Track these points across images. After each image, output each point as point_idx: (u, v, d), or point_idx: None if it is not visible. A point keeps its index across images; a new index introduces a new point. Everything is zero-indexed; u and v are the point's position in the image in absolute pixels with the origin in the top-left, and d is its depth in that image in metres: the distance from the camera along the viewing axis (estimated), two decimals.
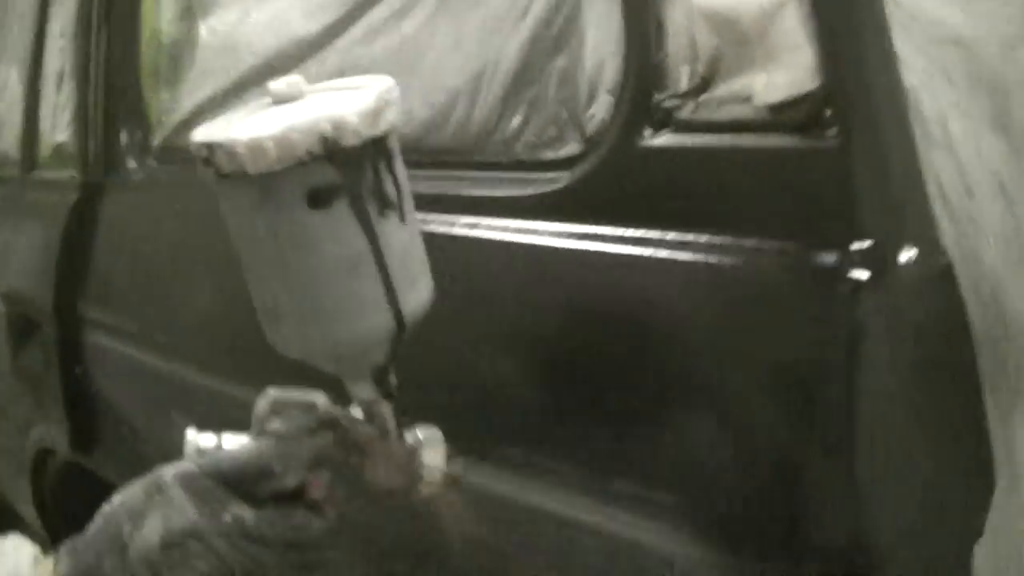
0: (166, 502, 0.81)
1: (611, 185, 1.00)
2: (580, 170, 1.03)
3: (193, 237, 1.69)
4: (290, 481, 0.82)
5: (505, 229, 1.09)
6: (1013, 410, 0.89)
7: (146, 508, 0.81)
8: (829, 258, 0.83)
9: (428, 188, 1.17)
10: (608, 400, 0.98)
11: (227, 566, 0.80)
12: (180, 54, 1.80)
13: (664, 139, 0.95)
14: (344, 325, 0.80)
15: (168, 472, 0.82)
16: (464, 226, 1.13)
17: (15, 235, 2.36)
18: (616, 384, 0.97)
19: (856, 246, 0.82)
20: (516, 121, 1.12)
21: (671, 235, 0.93)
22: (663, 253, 0.93)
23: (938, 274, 0.85)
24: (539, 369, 1.04)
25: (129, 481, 0.84)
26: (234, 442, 0.85)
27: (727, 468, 0.88)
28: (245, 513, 0.80)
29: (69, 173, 2.11)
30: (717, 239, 0.90)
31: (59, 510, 2.39)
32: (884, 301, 0.82)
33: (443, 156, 1.21)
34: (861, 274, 0.81)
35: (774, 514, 0.85)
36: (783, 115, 0.87)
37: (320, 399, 0.85)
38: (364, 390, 0.85)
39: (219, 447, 0.85)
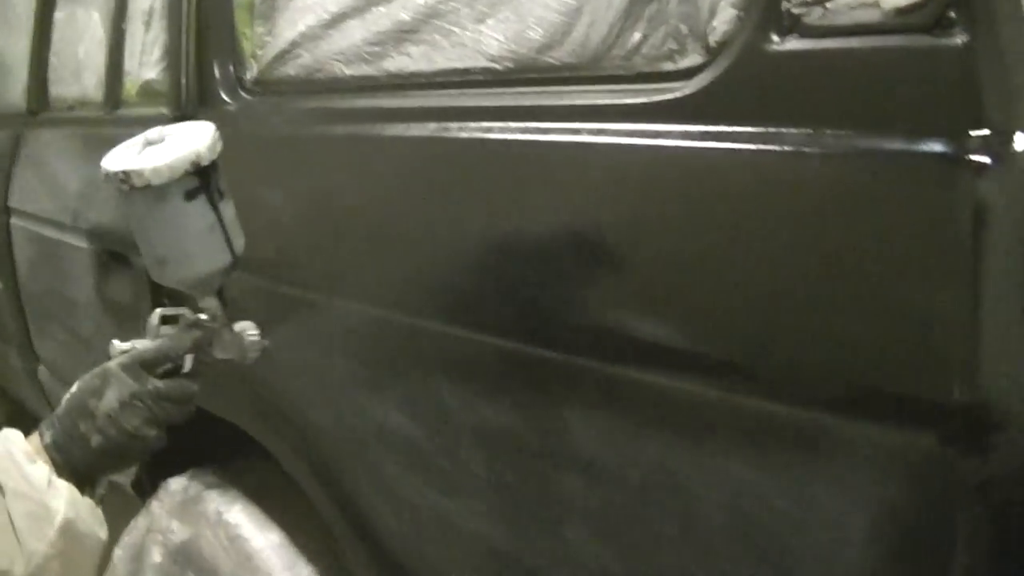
0: (117, 380, 1.33)
1: (738, 90, 1.06)
2: (705, 78, 1.10)
3: (288, 167, 1.76)
4: (176, 362, 1.37)
5: (629, 134, 1.15)
6: None
7: (102, 386, 1.33)
8: (953, 146, 0.90)
9: (548, 100, 1.25)
10: (733, 290, 1.05)
11: (153, 414, 1.32)
12: None
13: (791, 44, 1.02)
14: (205, 264, 1.35)
15: (112, 364, 1.34)
16: (588, 132, 1.19)
17: (99, 173, 2.42)
18: (740, 275, 1.05)
19: (977, 133, 0.89)
20: (636, 36, 1.19)
21: (800, 131, 1.00)
22: (791, 148, 1.00)
23: None
24: (658, 252, 1.12)
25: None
26: (140, 345, 1.39)
27: (854, 338, 0.95)
28: (159, 383, 1.34)
29: (159, 110, 2.16)
30: (843, 134, 0.97)
31: None
32: (1004, 183, 0.89)
33: (561, 72, 1.28)
34: (983, 158, 0.89)
35: (899, 379, 0.93)
36: (909, 17, 0.94)
37: (185, 311, 1.43)
38: (210, 302, 1.42)
39: (133, 347, 1.38)
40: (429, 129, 1.42)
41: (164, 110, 2.13)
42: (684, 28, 1.14)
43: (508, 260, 1.28)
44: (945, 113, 0.92)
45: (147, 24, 2.30)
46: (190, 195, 1.30)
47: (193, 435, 2.25)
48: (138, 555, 2.22)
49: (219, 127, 1.88)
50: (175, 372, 1.38)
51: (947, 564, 0.93)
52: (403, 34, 1.55)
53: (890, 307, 0.93)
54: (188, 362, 1.39)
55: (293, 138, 1.78)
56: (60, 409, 1.34)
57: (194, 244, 1.33)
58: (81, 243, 2.51)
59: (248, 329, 1.46)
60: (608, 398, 1.19)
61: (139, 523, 2.26)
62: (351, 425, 1.65)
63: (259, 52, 1.91)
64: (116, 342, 1.41)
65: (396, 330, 1.51)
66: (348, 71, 1.68)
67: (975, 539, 0.97)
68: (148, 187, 1.28)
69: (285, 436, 1.82)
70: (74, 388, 1.34)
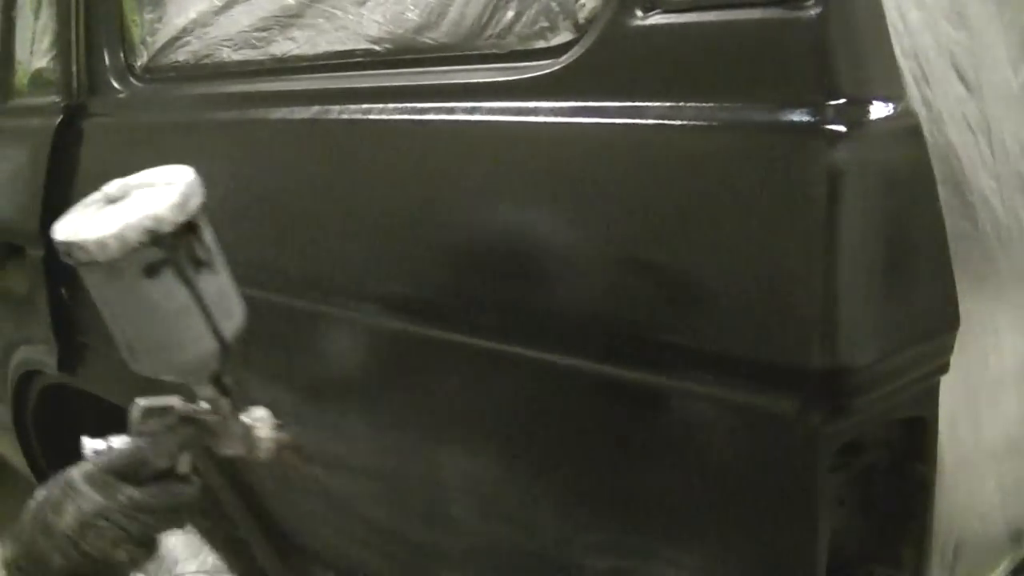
0: (77, 494, 1.07)
1: (606, 65, 1.08)
2: (574, 54, 1.11)
3: (178, 153, 1.75)
4: (163, 464, 1.10)
5: (503, 111, 1.16)
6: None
7: (63, 500, 1.07)
8: (809, 114, 0.92)
9: (426, 80, 1.26)
10: (602, 258, 1.07)
11: (127, 532, 1.06)
12: None
13: (655, 19, 1.04)
14: (181, 354, 1.08)
15: (74, 472, 1.09)
16: (463, 111, 1.20)
17: None
18: (605, 244, 1.06)
19: (833, 103, 0.92)
20: (509, 15, 1.20)
21: (664, 104, 1.01)
22: (656, 120, 1.02)
23: (908, 130, 0.96)
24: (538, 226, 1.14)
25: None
26: (118, 442, 1.12)
27: (720, 304, 0.97)
28: (134, 492, 1.07)
29: (50, 99, 2.14)
30: (706, 106, 0.99)
31: (40, 432, 2.43)
32: (858, 151, 0.91)
33: (438, 51, 1.29)
34: (838, 127, 0.91)
35: (760, 346, 0.95)
36: None
37: (176, 401, 1.15)
38: (206, 391, 1.14)
39: (109, 447, 1.11)
40: (312, 111, 1.42)
41: (55, 99, 2.11)
42: (555, 6, 1.16)
43: (392, 237, 1.29)
44: (802, 83, 0.94)
45: (36, 12, 2.27)
46: (151, 270, 1.04)
47: (97, 421, 2.27)
48: None
49: (106, 116, 1.89)
50: (163, 475, 1.12)
51: (812, 526, 0.95)
52: (288, 19, 1.55)
53: (751, 275, 0.95)
54: (184, 461, 1.14)
55: (183, 124, 1.77)
56: (22, 520, 1.12)
57: (165, 329, 1.08)
58: None
59: (261, 420, 1.19)
60: (496, 371, 1.20)
61: None
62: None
63: (149, 39, 1.89)
64: (87, 441, 1.14)
65: (286, 312, 1.50)
66: (236, 56, 1.67)
67: (839, 501, 0.99)
68: (95, 262, 1.02)
69: None
70: (37, 495, 1.12)
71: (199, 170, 1.63)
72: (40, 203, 1.99)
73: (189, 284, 1.06)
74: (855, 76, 0.94)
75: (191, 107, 1.77)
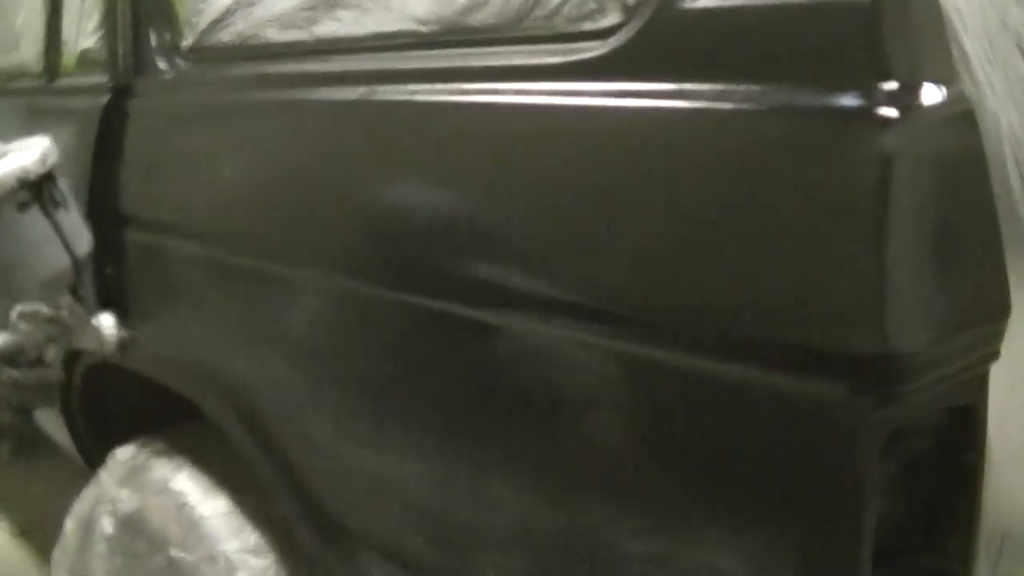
0: None
1: (654, 47, 1.07)
2: (622, 36, 1.10)
3: (223, 132, 1.76)
4: (34, 354, 1.50)
5: (550, 93, 1.16)
6: None
7: None
8: (861, 98, 0.91)
9: (472, 61, 1.26)
10: (652, 244, 1.06)
11: (10, 401, 1.44)
12: None
13: (705, 1, 1.03)
14: (45, 268, 1.48)
15: None
16: (510, 93, 1.20)
17: None
18: (657, 228, 1.05)
19: (885, 87, 0.90)
20: None
21: (713, 87, 1.01)
22: (704, 104, 1.01)
23: (961, 115, 0.94)
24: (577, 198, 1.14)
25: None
26: (1, 338, 1.51)
27: (768, 290, 0.96)
28: (15, 373, 1.47)
29: (96, 79, 2.15)
30: (756, 88, 0.98)
31: (86, 411, 2.44)
32: (910, 135, 0.90)
33: (485, 33, 1.28)
34: (890, 111, 0.90)
35: (809, 332, 0.94)
36: None
37: (43, 307, 1.52)
38: (65, 299, 1.56)
39: None
40: (358, 92, 1.42)
41: (102, 79, 2.12)
42: None
43: (437, 219, 1.29)
44: (853, 66, 0.93)
45: None
46: (23, 207, 1.47)
47: (143, 403, 2.29)
48: (89, 525, 2.21)
49: (155, 95, 1.91)
50: (35, 362, 1.55)
51: (859, 514, 0.94)
52: None
53: (801, 260, 0.94)
54: (50, 353, 1.58)
55: (227, 104, 1.77)
56: None
57: (33, 249, 1.49)
58: None
59: (106, 322, 1.63)
60: (545, 353, 1.19)
61: (88, 493, 2.25)
62: (285, 387, 1.65)
63: (194, 19, 1.90)
64: None
65: (328, 292, 1.51)
66: (281, 37, 1.67)
67: (888, 488, 0.99)
68: None
69: (219, 396, 1.82)
70: None
71: (245, 150, 1.66)
72: (87, 183, 1.99)
73: (51, 216, 1.49)
74: (908, 59, 0.93)
75: (236, 87, 1.77)
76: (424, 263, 1.32)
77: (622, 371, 1.11)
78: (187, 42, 1.92)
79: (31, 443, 2.97)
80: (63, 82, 2.41)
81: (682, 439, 1.06)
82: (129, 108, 1.99)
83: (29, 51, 2.60)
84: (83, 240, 1.53)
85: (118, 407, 2.37)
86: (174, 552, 1.93)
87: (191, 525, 1.93)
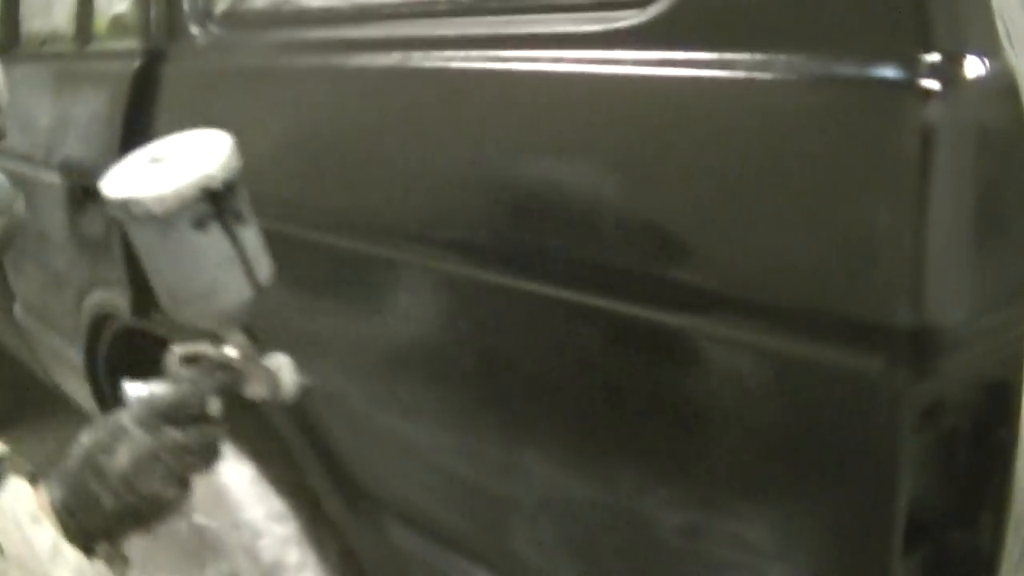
0: (128, 437, 1.15)
1: (693, 16, 1.06)
2: (661, 5, 1.09)
3: (255, 98, 1.75)
4: (197, 409, 1.18)
5: (587, 61, 1.15)
6: None
7: (114, 442, 1.15)
8: (903, 70, 0.90)
9: (509, 28, 1.25)
10: (689, 213, 1.06)
11: (171, 470, 1.15)
12: None
13: None
14: (223, 300, 1.18)
15: (124, 416, 1.17)
16: (547, 60, 1.19)
17: (71, 108, 2.41)
18: (695, 198, 1.05)
19: (927, 58, 0.90)
20: None
21: (753, 56, 1.00)
22: (744, 73, 1.00)
23: (1004, 88, 0.93)
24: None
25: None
26: (158, 388, 1.21)
27: (806, 260, 0.96)
28: (176, 434, 1.15)
29: (129, 43, 2.15)
30: (796, 58, 0.97)
31: (113, 375, 2.45)
32: (952, 107, 0.89)
33: (522, 0, 1.28)
34: (932, 83, 0.89)
35: (847, 303, 0.93)
36: None
37: (208, 348, 1.22)
38: (236, 337, 1.23)
39: (151, 392, 1.20)
40: (393, 59, 1.42)
41: (134, 44, 2.11)
42: None
43: (471, 186, 1.29)
44: (896, 37, 0.92)
45: None
46: (201, 224, 1.13)
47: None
48: None
49: (185, 61, 1.90)
50: (199, 417, 1.20)
51: (892, 489, 0.93)
52: None
53: (840, 231, 0.93)
54: (214, 405, 1.21)
55: (261, 70, 1.77)
56: (67, 463, 1.18)
57: (209, 278, 1.16)
58: (54, 179, 2.49)
59: (284, 366, 1.26)
60: (570, 323, 1.19)
61: None
62: (316, 357, 1.65)
63: None
64: (129, 384, 1.25)
65: (365, 259, 1.51)
66: (315, 2, 1.67)
67: (921, 464, 0.98)
68: (152, 218, 1.11)
69: None
70: (83, 439, 1.19)
71: (277, 117, 1.65)
72: (118, 148, 2.00)
73: (232, 236, 1.15)
74: (951, 30, 0.91)
75: (270, 54, 1.77)
76: (438, 229, 1.31)
77: (651, 343, 1.10)
78: (221, 7, 1.92)
79: None
80: (95, 47, 2.41)
81: (716, 408, 1.05)
82: (161, 73, 1.99)
83: (61, 15, 2.60)
84: (264, 266, 1.21)
85: (145, 373, 2.38)
86: (198, 518, 1.93)
87: (215, 491, 1.93)
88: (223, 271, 1.16)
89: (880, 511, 0.94)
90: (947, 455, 1.00)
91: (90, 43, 2.44)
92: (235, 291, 1.18)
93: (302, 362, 1.57)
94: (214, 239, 1.14)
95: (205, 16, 1.95)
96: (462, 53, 1.31)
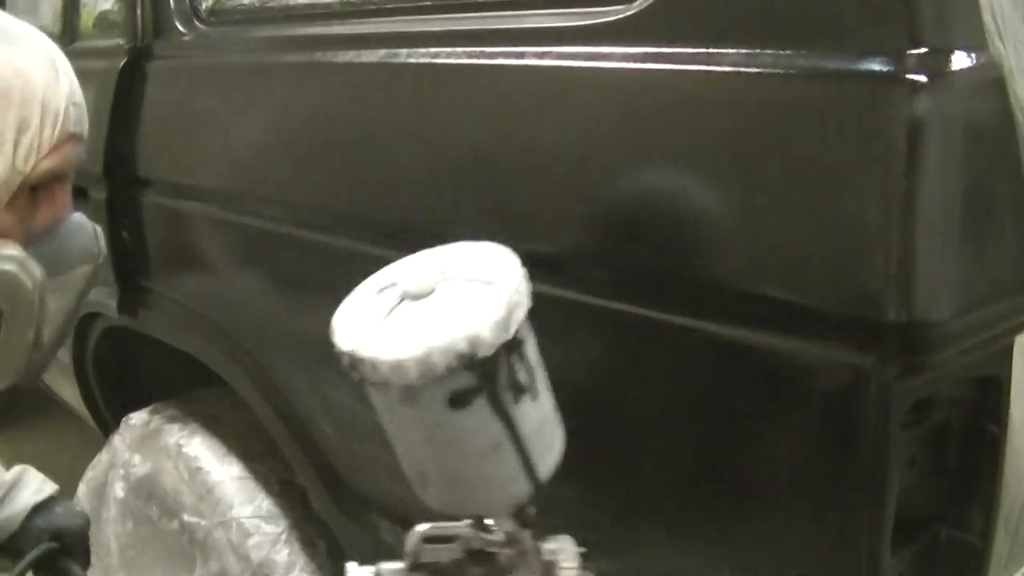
0: None
1: (679, 10, 1.06)
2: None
3: (242, 95, 1.75)
4: None
5: (574, 56, 1.15)
6: None
7: None
8: (891, 63, 0.90)
9: (495, 23, 1.24)
10: (675, 208, 1.05)
11: None
12: None
13: None
14: (487, 496, 0.90)
15: None
16: (533, 56, 1.19)
17: None
18: (681, 192, 1.04)
19: (914, 52, 0.89)
20: None
21: (739, 51, 0.99)
22: (731, 68, 1.00)
23: (990, 81, 0.93)
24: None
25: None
26: (389, 572, 0.97)
27: (795, 255, 0.95)
28: None
29: (115, 41, 2.14)
30: (782, 53, 0.97)
31: (100, 374, 2.44)
32: (939, 101, 0.89)
33: None
34: (919, 77, 0.88)
35: (836, 299, 0.93)
36: None
37: (464, 530, 0.96)
38: (505, 524, 0.95)
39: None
40: (379, 55, 1.41)
41: (120, 41, 2.10)
42: None
43: (459, 182, 1.28)
44: (883, 31, 0.92)
45: None
46: (459, 400, 0.82)
47: (157, 365, 2.29)
48: (101, 490, 2.22)
49: (174, 57, 1.89)
50: None
51: (881, 484, 0.93)
52: None
53: (828, 226, 0.93)
54: None
55: (248, 67, 1.76)
56: None
57: (467, 466, 0.87)
58: None
59: (564, 552, 0.96)
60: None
61: (102, 458, 2.25)
62: (303, 354, 1.65)
63: None
64: (353, 568, 1.00)
65: (346, 254, 1.50)
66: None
67: (911, 458, 0.98)
68: (388, 384, 0.83)
69: (237, 361, 1.81)
70: None
71: (265, 114, 1.64)
72: (104, 146, 1.99)
73: (504, 416, 0.85)
74: (938, 24, 0.91)
75: (256, 50, 1.76)
76: (427, 222, 1.31)
77: (646, 338, 1.10)
78: (207, 4, 1.91)
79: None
80: (81, 44, 2.40)
81: (707, 403, 1.05)
82: (147, 70, 1.98)
83: (47, 13, 2.58)
84: (553, 447, 0.91)
85: (133, 372, 2.38)
86: (186, 517, 1.93)
87: (204, 490, 1.93)
88: (487, 461, 0.86)
89: (870, 506, 0.94)
90: (937, 450, 1.00)
91: (76, 40, 2.43)
92: (504, 484, 0.89)
93: (294, 361, 1.57)
94: (478, 420, 0.84)
95: (191, 13, 1.94)
96: (447, 49, 1.30)
